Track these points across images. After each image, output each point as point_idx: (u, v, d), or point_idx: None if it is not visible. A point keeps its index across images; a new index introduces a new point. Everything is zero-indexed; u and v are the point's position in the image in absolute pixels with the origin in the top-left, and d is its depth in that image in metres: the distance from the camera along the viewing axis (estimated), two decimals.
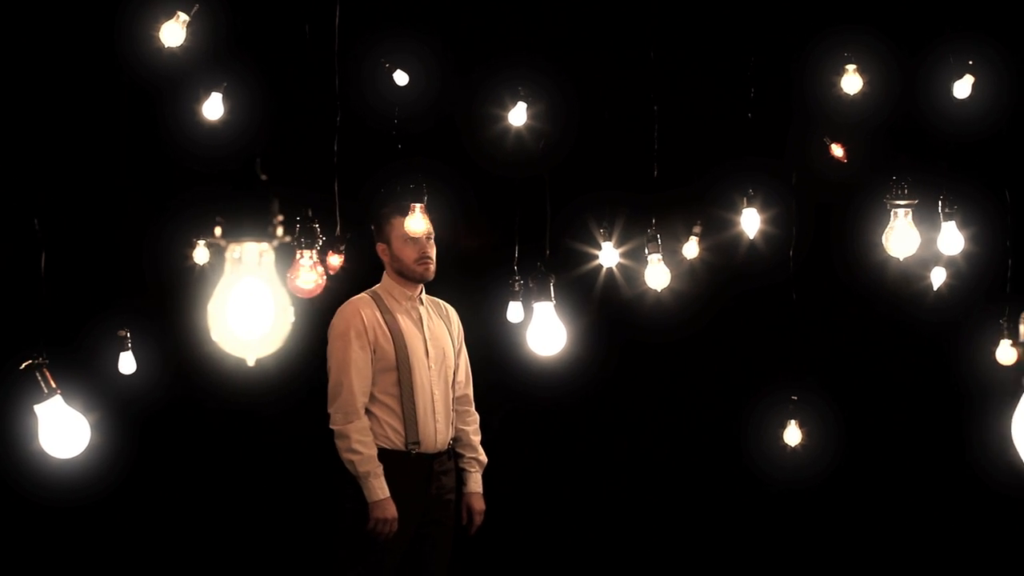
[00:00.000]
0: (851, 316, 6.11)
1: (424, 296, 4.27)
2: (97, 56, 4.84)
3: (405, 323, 4.12)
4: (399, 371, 4.04)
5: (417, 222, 4.14)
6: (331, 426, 4.00)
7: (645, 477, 6.31)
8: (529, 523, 6.10)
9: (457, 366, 4.27)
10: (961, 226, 4.17)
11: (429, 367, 4.10)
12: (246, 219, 1.43)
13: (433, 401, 4.08)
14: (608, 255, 5.39)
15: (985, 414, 5.73)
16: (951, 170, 4.62)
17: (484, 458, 4.25)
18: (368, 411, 4.03)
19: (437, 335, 4.20)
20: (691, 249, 5.60)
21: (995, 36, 5.04)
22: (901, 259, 3.17)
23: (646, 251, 4.15)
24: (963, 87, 4.93)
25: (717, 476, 5.99)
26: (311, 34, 4.74)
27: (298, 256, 2.89)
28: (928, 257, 5.29)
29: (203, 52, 4.07)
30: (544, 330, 2.95)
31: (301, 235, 2.88)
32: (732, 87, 4.94)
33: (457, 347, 4.31)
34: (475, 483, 4.21)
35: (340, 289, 4.92)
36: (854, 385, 6.04)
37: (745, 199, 4.82)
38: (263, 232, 1.44)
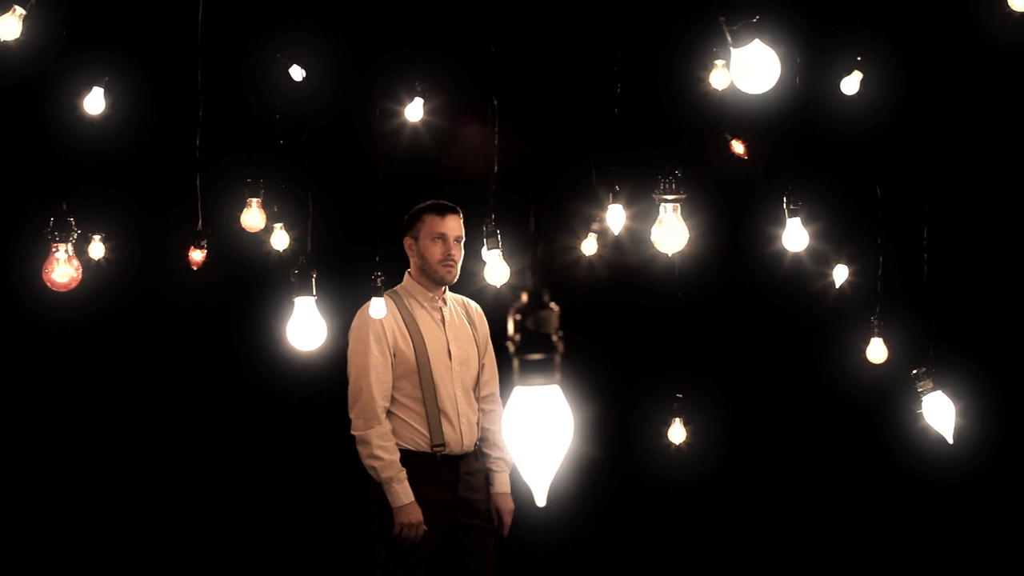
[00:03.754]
0: (738, 313, 6.03)
1: (449, 295, 4.22)
2: None
3: (426, 324, 4.07)
4: (420, 374, 3.99)
5: (253, 216, 4.14)
6: (352, 432, 3.94)
7: None
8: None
9: (482, 365, 4.23)
10: (807, 222, 4.10)
11: (452, 368, 4.05)
12: None
13: (457, 402, 4.04)
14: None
15: (859, 413, 5.69)
16: (811, 166, 4.54)
17: (511, 458, 4.12)
18: (392, 414, 3.99)
19: (460, 335, 4.14)
20: (589, 246, 5.54)
21: (884, 31, 4.97)
22: (670, 255, 3.12)
23: (485, 246, 4.09)
24: (851, 83, 4.86)
25: (602, 475, 5.92)
26: (181, 28, 4.74)
27: (53, 250, 2.87)
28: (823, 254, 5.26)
29: (40, 47, 4.07)
30: (304, 325, 2.93)
31: (55, 228, 2.86)
32: (600, 82, 4.89)
33: (483, 346, 4.26)
34: (502, 483, 4.16)
35: (203, 285, 4.94)
36: (741, 382, 5.96)
37: (611, 195, 4.75)
38: None
